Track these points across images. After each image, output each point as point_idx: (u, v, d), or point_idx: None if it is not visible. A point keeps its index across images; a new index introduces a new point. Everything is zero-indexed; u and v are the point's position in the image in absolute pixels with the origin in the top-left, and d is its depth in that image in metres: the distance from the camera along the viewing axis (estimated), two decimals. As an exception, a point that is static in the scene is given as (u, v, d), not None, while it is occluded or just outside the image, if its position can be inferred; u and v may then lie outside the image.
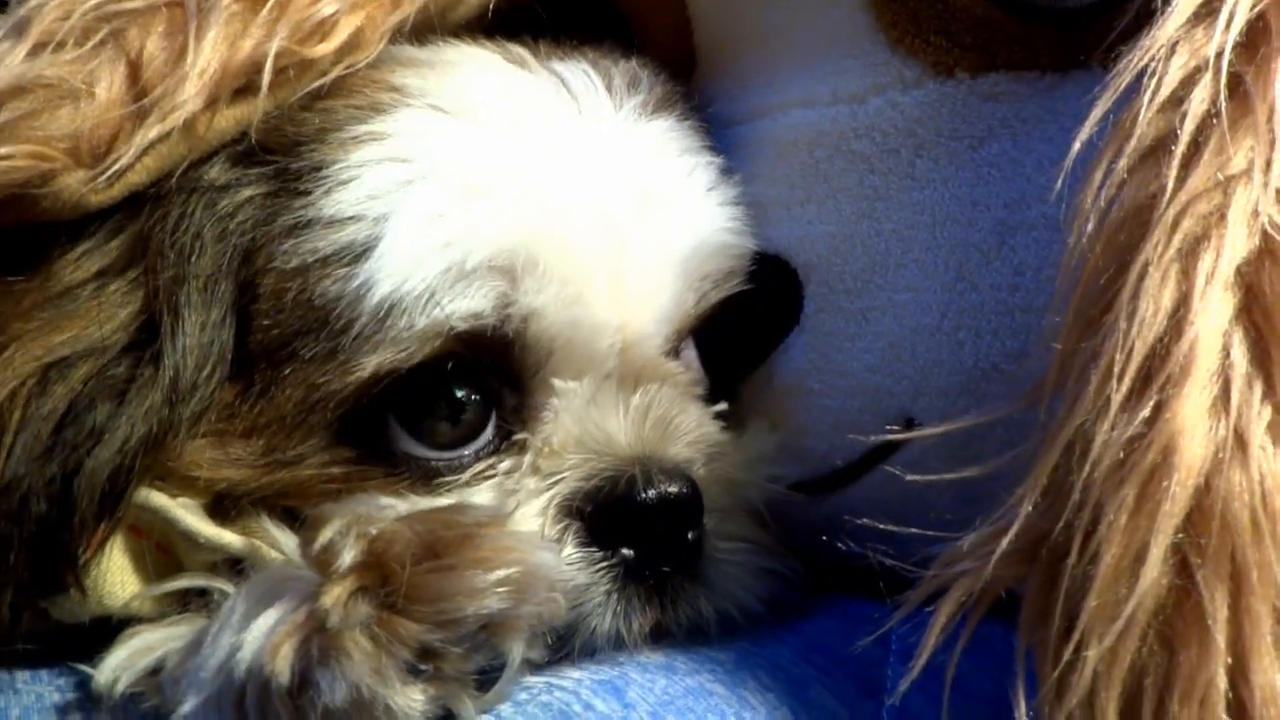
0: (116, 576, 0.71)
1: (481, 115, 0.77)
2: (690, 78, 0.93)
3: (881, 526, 0.66)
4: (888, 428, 0.76)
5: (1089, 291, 0.61)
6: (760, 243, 0.85)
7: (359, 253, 0.71)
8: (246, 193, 0.73)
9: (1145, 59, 0.62)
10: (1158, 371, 0.57)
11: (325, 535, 0.64)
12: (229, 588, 0.70)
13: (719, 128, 0.90)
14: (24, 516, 0.65)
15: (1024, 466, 0.63)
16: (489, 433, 0.76)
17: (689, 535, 0.77)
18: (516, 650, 0.65)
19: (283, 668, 0.60)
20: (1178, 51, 0.62)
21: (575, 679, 0.70)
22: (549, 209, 0.75)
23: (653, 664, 0.73)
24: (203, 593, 0.72)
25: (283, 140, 0.74)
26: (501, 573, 0.62)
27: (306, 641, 0.61)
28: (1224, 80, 0.60)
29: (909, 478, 0.66)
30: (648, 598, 0.75)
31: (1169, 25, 0.63)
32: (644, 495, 0.74)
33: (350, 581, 0.62)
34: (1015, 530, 0.59)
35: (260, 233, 0.72)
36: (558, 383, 0.76)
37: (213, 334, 0.71)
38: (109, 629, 0.72)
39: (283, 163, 0.74)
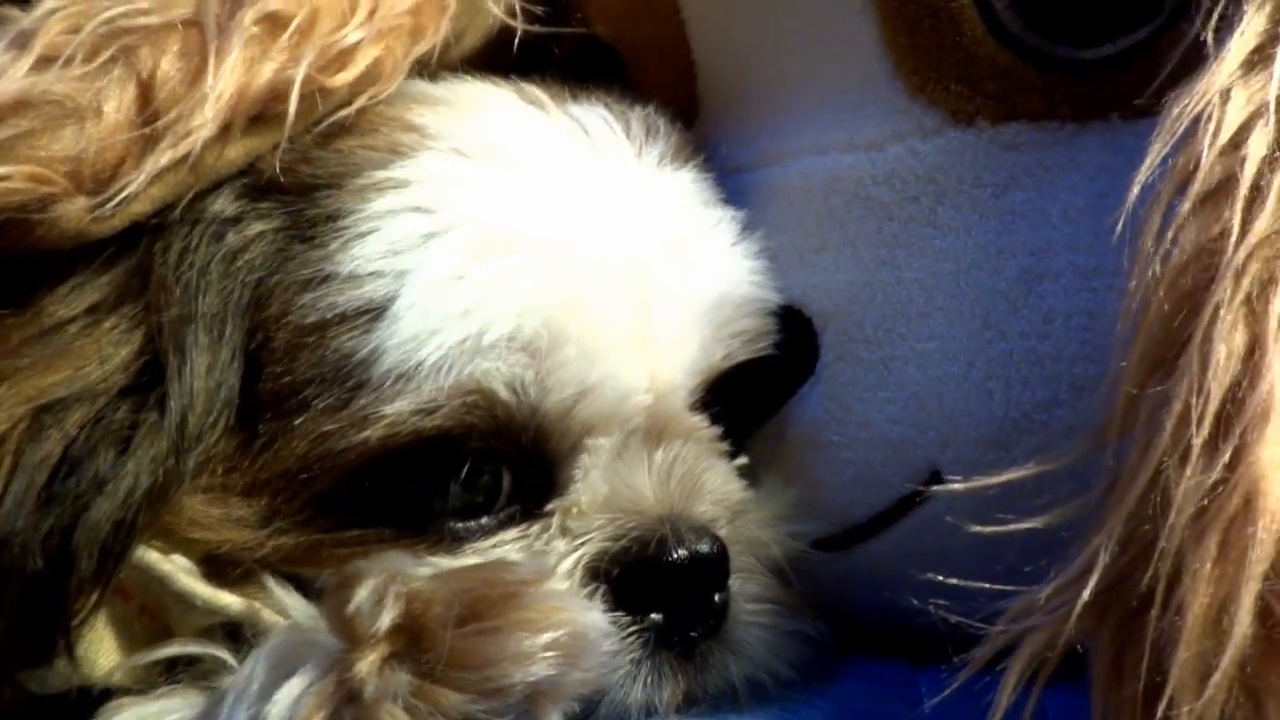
0: (101, 643, 0.64)
1: (504, 161, 0.74)
2: (689, 123, 0.91)
3: (942, 579, 0.63)
4: (948, 478, 0.74)
5: (1154, 334, 0.60)
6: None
7: (376, 311, 0.67)
8: (257, 228, 0.69)
9: (1200, 104, 0.62)
10: (1236, 416, 0.56)
11: (360, 595, 0.58)
12: (226, 655, 0.64)
13: (725, 175, 0.88)
14: (17, 576, 0.59)
15: (1089, 515, 0.61)
16: (508, 497, 0.72)
17: (715, 598, 0.73)
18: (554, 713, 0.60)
19: (309, 746, 0.54)
20: (1233, 97, 0.62)
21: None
22: (575, 269, 0.72)
23: (684, 736, 0.69)
24: (192, 662, 0.66)
25: (296, 180, 0.70)
26: (549, 635, 0.58)
27: (337, 715, 0.55)
28: (1282, 126, 0.60)
29: (973, 528, 0.64)
30: (678, 665, 0.71)
31: (1222, 72, 0.63)
32: (675, 554, 0.70)
33: (384, 647, 0.57)
34: (1094, 582, 0.57)
35: (272, 278, 0.68)
36: (587, 441, 0.72)
37: (220, 377, 0.65)
38: (85, 702, 0.65)
39: (296, 205, 0.70)
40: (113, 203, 0.61)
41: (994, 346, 0.76)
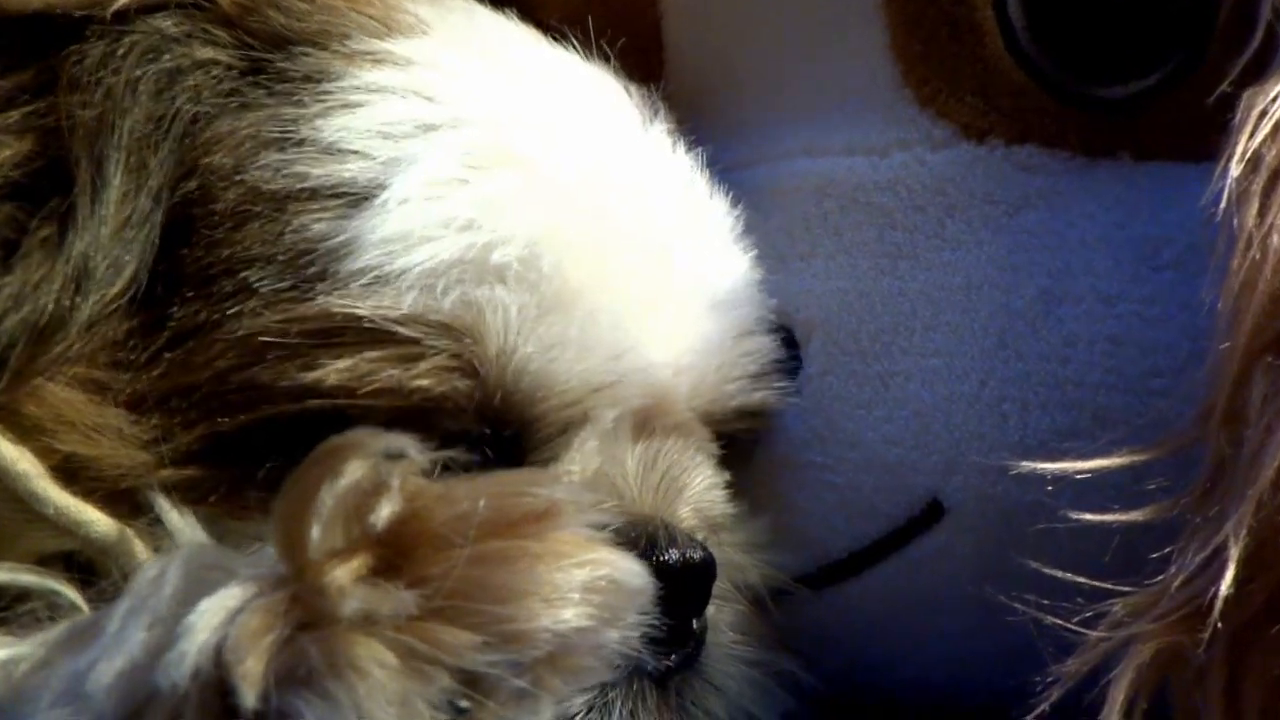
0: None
1: (513, 70, 0.63)
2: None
3: (1041, 568, 0.53)
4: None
5: (1262, 311, 0.54)
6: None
7: (357, 197, 0.54)
8: (206, 53, 0.55)
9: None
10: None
11: (349, 473, 0.41)
12: (71, 592, 0.46)
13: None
14: None
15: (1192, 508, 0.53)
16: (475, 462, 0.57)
17: (694, 621, 0.60)
18: (549, 709, 0.44)
19: (253, 676, 0.37)
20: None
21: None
22: (594, 210, 0.61)
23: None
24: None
25: (265, 28, 0.57)
26: (586, 574, 0.43)
27: (292, 644, 0.38)
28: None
29: (1075, 515, 0.54)
30: (659, 697, 0.57)
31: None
32: (665, 556, 0.57)
33: (371, 553, 0.40)
34: (1229, 577, 0.48)
35: (222, 120, 0.54)
36: (593, 411, 0.59)
37: (138, 211, 0.49)
38: None
39: (263, 52, 0.57)
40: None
41: (1010, 366, 0.70)
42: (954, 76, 0.74)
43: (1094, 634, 0.50)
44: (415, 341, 0.53)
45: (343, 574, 0.39)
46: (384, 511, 0.41)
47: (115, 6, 0.51)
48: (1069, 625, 0.51)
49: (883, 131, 0.75)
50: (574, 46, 0.72)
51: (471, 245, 0.55)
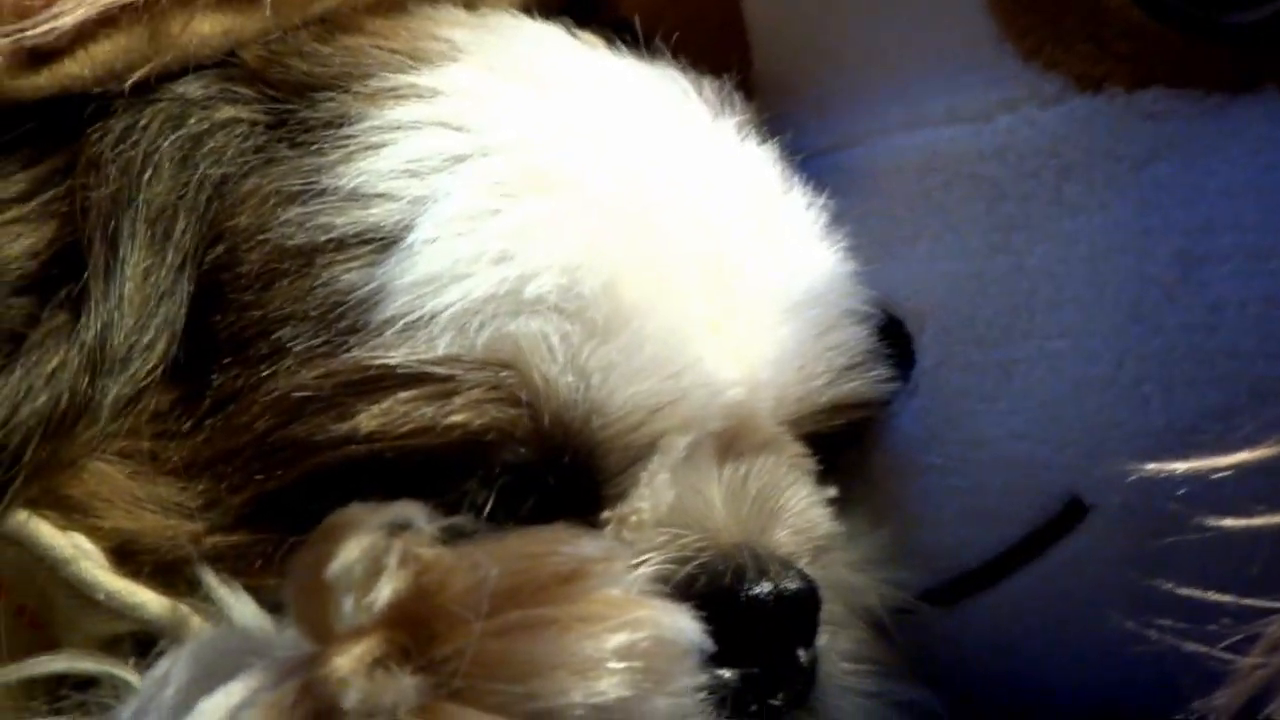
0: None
1: (554, 88, 0.59)
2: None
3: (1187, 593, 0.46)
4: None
5: None
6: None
7: (384, 241, 0.52)
8: (229, 113, 0.54)
9: None
10: None
11: (347, 554, 0.39)
12: (133, 678, 0.45)
13: (794, 160, 0.75)
14: None
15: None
16: (535, 507, 0.54)
17: (801, 653, 0.55)
18: None
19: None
20: None
21: None
22: (642, 224, 0.57)
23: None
24: (85, 685, 0.47)
25: (289, 77, 0.56)
26: (622, 638, 0.39)
27: None
28: None
29: (1212, 522, 0.47)
30: None
31: None
32: (757, 590, 0.53)
33: (379, 636, 0.38)
34: None
35: (246, 180, 0.53)
36: (661, 441, 0.56)
37: (163, 286, 0.49)
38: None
39: (287, 103, 0.55)
40: (37, 30, 0.45)
41: (1148, 342, 0.62)
42: (1059, 24, 0.67)
43: (1246, 660, 0.43)
44: (450, 379, 0.50)
45: (345, 662, 0.37)
46: (383, 593, 0.39)
47: (134, 78, 0.50)
48: (1214, 652, 0.44)
49: (985, 93, 0.68)
50: (640, 47, 0.69)
51: (505, 279, 0.52)
